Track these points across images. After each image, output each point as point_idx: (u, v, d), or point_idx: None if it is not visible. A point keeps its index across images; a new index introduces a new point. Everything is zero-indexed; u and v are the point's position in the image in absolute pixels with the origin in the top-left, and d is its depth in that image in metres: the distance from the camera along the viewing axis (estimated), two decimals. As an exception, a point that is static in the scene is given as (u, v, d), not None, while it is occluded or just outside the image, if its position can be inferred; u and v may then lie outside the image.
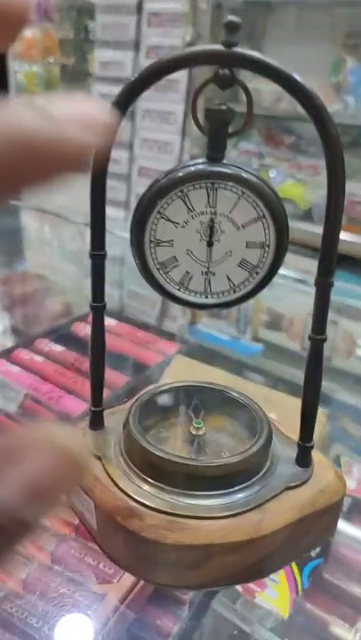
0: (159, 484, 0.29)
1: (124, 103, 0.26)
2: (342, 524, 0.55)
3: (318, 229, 0.27)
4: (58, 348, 0.72)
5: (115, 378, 0.68)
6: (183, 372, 0.69)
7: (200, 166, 0.27)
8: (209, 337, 1.13)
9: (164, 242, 0.28)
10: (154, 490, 0.29)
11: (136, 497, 0.28)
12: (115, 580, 0.42)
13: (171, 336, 0.85)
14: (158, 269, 0.29)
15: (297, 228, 1.49)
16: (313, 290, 0.28)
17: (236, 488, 0.29)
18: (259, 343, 1.23)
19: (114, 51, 1.93)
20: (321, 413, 0.70)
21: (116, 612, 0.41)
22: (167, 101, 1.75)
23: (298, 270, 1.07)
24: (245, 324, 1.37)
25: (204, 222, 0.28)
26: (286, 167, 1.62)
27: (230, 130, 0.27)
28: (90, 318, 0.31)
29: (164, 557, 0.27)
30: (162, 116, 1.82)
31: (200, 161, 0.27)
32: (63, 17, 2.16)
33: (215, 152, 0.27)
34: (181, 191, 0.27)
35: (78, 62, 2.16)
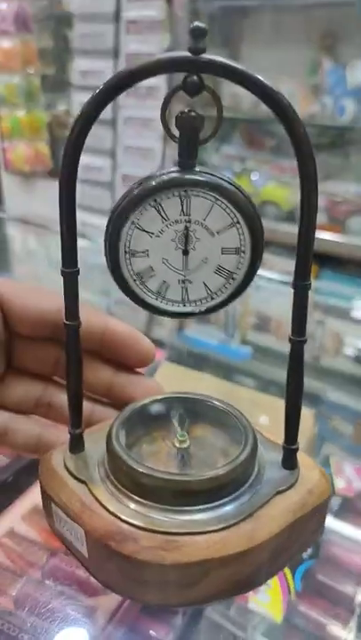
0: (150, 503, 0.28)
1: (93, 113, 0.25)
2: (333, 524, 0.55)
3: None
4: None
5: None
6: (170, 379, 0.69)
7: (173, 174, 0.27)
8: (197, 342, 1.13)
9: (139, 252, 0.28)
10: (145, 510, 0.27)
11: (128, 519, 0.27)
12: (106, 593, 0.42)
13: (158, 343, 0.85)
14: (135, 280, 0.28)
15: (281, 229, 1.49)
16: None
17: (227, 499, 0.28)
18: (248, 346, 1.23)
19: (93, 59, 1.94)
20: (308, 414, 0.70)
21: (108, 625, 0.40)
22: (147, 108, 1.76)
23: (283, 272, 1.08)
24: (234, 328, 1.36)
25: (179, 231, 0.27)
26: (268, 170, 1.63)
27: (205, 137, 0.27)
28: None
29: (161, 578, 0.26)
30: (143, 122, 1.82)
31: (173, 169, 0.27)
32: (42, 27, 2.16)
33: (187, 159, 0.26)
34: (155, 200, 0.27)
35: (58, 72, 2.16)
